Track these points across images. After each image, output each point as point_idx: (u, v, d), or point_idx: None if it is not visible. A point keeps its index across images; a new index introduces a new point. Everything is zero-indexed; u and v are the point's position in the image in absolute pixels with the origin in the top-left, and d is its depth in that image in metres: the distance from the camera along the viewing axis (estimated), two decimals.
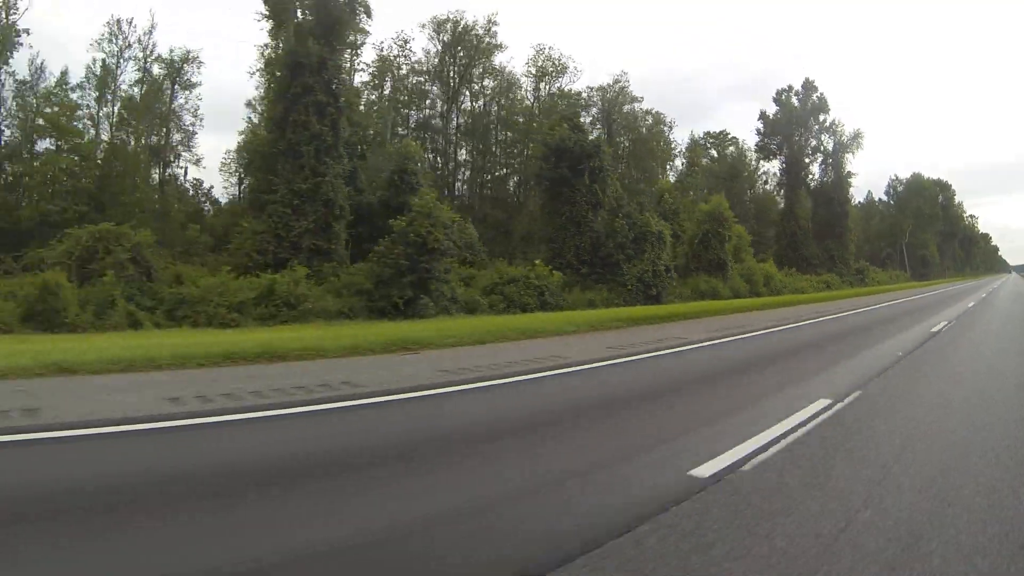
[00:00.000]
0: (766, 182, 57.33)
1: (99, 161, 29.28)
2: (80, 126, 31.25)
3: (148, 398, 5.01)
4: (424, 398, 5.49)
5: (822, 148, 51.06)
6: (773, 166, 52.09)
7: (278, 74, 18.29)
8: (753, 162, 56.03)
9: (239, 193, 29.40)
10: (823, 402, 4.98)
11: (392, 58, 32.42)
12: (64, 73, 31.02)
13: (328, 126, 16.21)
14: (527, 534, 2.68)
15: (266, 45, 24.51)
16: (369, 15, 20.78)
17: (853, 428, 4.39)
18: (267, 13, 19.97)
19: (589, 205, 20.31)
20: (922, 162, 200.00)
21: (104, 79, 31.73)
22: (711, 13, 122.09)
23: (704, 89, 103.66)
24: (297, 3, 18.82)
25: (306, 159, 15.94)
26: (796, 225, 46.43)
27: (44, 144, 31.47)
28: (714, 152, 57.82)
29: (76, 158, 28.39)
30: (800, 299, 25.13)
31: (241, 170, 28.00)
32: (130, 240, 14.28)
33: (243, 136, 26.14)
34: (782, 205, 52.15)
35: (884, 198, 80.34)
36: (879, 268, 57.60)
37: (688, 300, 22.07)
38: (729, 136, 56.89)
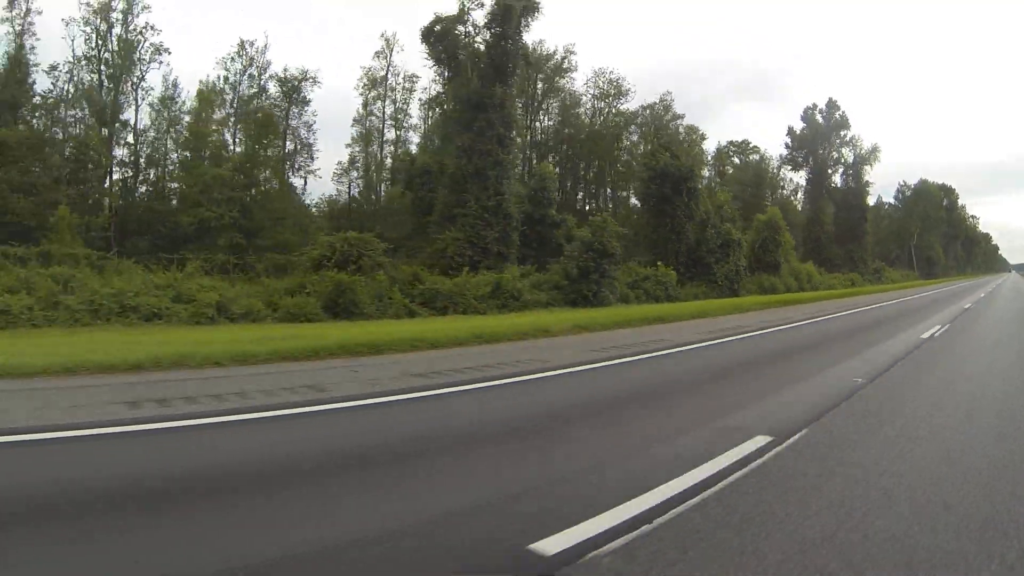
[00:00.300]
0: (783, 187, 62.84)
1: (241, 172, 34.19)
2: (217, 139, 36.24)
3: (523, 358, 8.65)
4: (673, 354, 9.82)
5: (843, 160, 56.51)
6: (794, 174, 57.71)
7: (446, 107, 23.22)
8: (774, 169, 61.36)
9: (374, 199, 34.33)
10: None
11: None
12: (204, 89, 35.88)
13: (506, 154, 21.33)
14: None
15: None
16: (528, 61, 25.84)
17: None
18: (431, 54, 25.00)
19: (686, 217, 25.49)
20: (922, 160, 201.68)
21: (229, 96, 36.66)
22: (708, 13, 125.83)
23: (704, 90, 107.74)
24: (463, 48, 23.83)
25: (491, 181, 21.03)
26: (820, 230, 51.80)
27: (180, 155, 36.47)
28: (735, 159, 63.36)
29: (225, 169, 33.26)
30: (833, 294, 30.46)
31: (382, 183, 32.98)
32: (377, 246, 19.20)
33: (399, 154, 31.08)
34: (800, 208, 57.67)
35: (892, 202, 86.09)
36: (890, 268, 63.15)
37: (755, 294, 27.33)
38: (751, 145, 61.91)
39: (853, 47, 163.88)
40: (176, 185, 35.06)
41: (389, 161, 35.87)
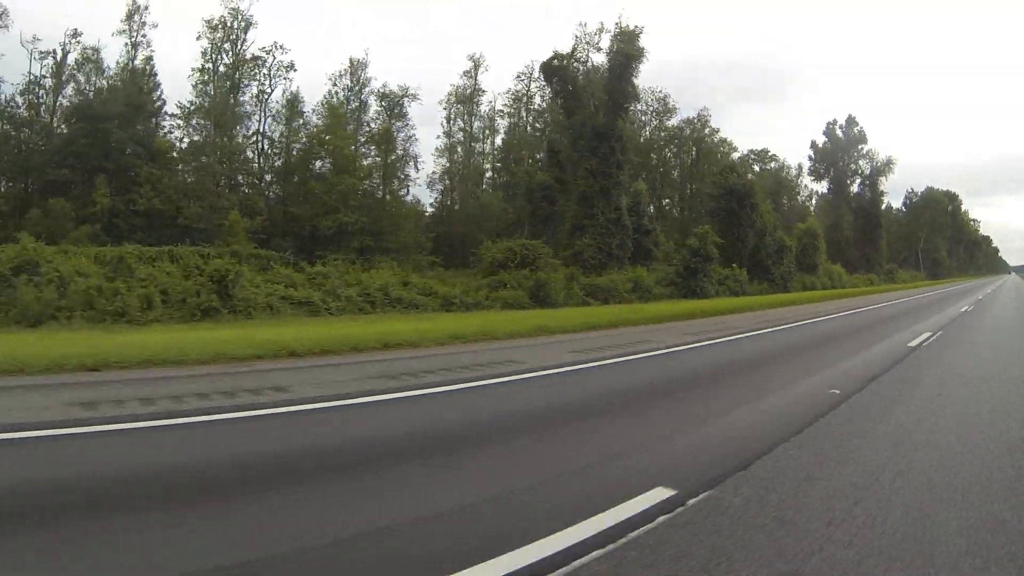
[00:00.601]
0: (799, 192, 69.69)
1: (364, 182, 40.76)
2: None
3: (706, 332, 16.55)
4: (792, 327, 17.06)
5: (860, 171, 63.27)
6: (811, 182, 64.65)
7: (555, 137, 29.93)
8: (793, 177, 68.09)
9: (471, 204, 40.74)
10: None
11: None
12: (334, 104, 42.29)
13: (623, 176, 28.16)
14: None
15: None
16: (637, 98, 32.59)
17: None
18: (551, 87, 31.66)
19: (748, 226, 32.28)
20: (923, 161, 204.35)
21: (342, 111, 43.18)
22: (709, 17, 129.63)
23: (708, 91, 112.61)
24: (582, 85, 30.48)
25: (613, 198, 27.80)
26: (841, 235, 58.52)
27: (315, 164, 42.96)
28: (755, 167, 70.18)
29: (356, 178, 39.83)
30: (858, 291, 37.26)
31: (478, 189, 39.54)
32: (545, 250, 25.64)
33: (519, 169, 37.56)
34: (814, 212, 64.48)
35: (901, 207, 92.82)
36: (901, 269, 70.04)
37: (798, 290, 34.16)
38: (770, 153, 68.38)
39: (854, 47, 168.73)
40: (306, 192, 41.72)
41: (489, 171, 42.60)
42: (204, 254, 21.44)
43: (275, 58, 39.21)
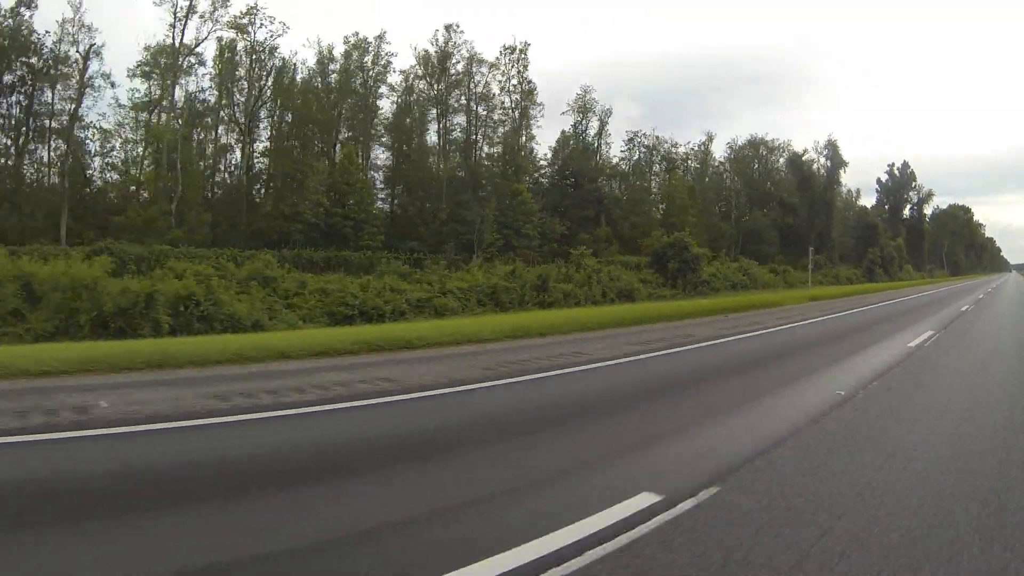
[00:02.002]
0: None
1: None
2: None
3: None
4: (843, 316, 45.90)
5: (910, 200, 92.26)
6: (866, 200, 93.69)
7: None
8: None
9: None
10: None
11: None
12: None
13: None
14: None
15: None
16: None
17: None
18: None
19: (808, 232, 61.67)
20: (923, 159, 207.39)
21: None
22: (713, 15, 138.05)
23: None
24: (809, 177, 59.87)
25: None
26: (895, 245, 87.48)
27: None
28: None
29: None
30: (919, 283, 66.43)
31: None
32: (693, 243, 53.91)
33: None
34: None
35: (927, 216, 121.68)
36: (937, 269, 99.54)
37: (886, 280, 63.67)
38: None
39: (854, 46, 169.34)
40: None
41: None
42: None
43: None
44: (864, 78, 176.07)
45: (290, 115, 35.49)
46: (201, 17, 31.89)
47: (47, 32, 30.31)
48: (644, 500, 3.22)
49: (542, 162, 46.42)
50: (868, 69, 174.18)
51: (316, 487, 3.65)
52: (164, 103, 32.43)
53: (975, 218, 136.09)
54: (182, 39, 32.47)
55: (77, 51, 30.48)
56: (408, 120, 39.84)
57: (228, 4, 33.59)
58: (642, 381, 7.72)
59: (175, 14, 31.99)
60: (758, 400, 6.11)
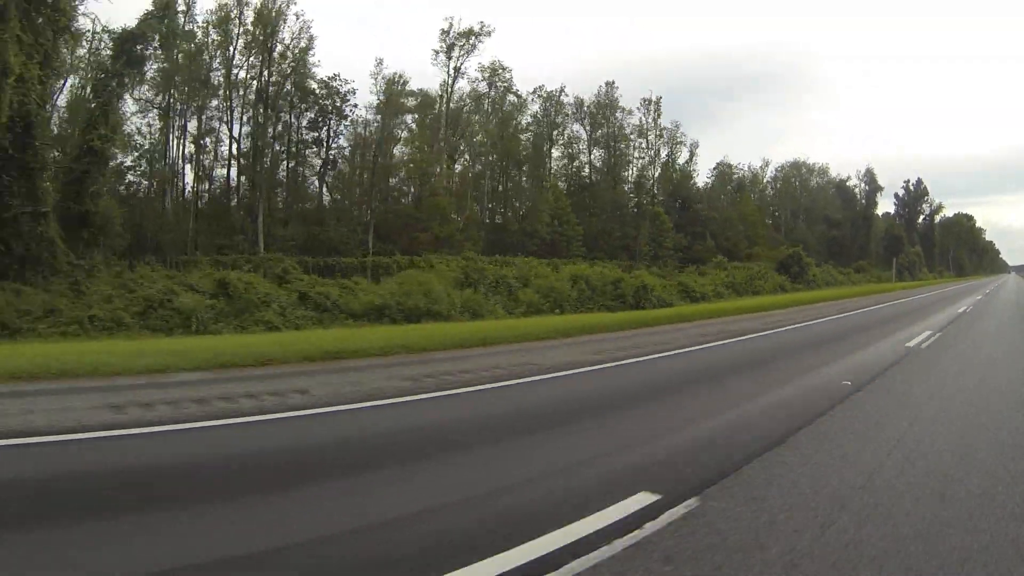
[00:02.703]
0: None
1: None
2: None
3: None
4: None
5: (923, 212, 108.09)
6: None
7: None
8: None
9: None
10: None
11: None
12: None
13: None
14: None
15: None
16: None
17: None
18: None
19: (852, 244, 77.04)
20: (924, 160, 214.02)
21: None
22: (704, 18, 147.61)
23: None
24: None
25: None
26: (915, 252, 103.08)
27: None
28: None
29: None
30: (933, 282, 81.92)
31: None
32: (802, 252, 69.27)
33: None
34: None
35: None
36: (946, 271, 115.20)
37: (908, 280, 79.33)
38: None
39: (854, 46, 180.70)
40: None
41: None
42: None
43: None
44: (864, 78, 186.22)
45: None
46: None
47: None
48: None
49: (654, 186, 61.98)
50: (868, 70, 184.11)
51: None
52: None
53: (977, 224, 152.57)
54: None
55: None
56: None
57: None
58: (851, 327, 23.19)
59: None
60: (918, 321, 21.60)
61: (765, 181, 75.08)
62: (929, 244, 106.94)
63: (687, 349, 10.81)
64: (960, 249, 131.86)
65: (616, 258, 49.36)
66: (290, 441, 5.01)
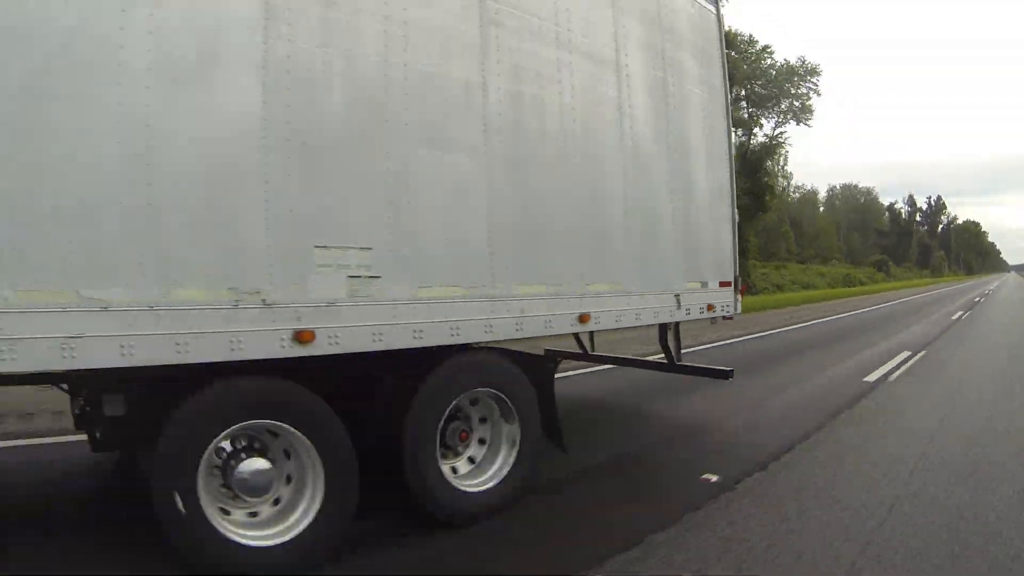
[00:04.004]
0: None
1: None
2: None
3: None
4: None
5: (941, 222, 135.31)
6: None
7: None
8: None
9: None
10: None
11: None
12: None
13: None
14: None
15: None
16: None
17: None
18: None
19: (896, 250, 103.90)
20: (926, 160, 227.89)
21: None
22: None
23: None
24: None
25: None
26: (940, 256, 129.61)
27: None
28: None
29: None
30: (949, 279, 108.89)
31: None
32: (887, 260, 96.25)
33: None
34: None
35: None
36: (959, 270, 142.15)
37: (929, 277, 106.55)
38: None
39: (855, 45, 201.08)
40: None
41: None
42: None
43: None
44: (863, 77, 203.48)
45: None
46: None
47: None
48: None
49: None
50: (866, 68, 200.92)
51: None
52: None
53: (982, 228, 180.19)
54: None
55: None
56: None
57: None
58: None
59: None
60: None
61: (820, 198, 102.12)
62: (947, 249, 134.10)
63: (840, 316, 24.70)
64: (968, 252, 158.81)
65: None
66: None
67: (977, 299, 29.55)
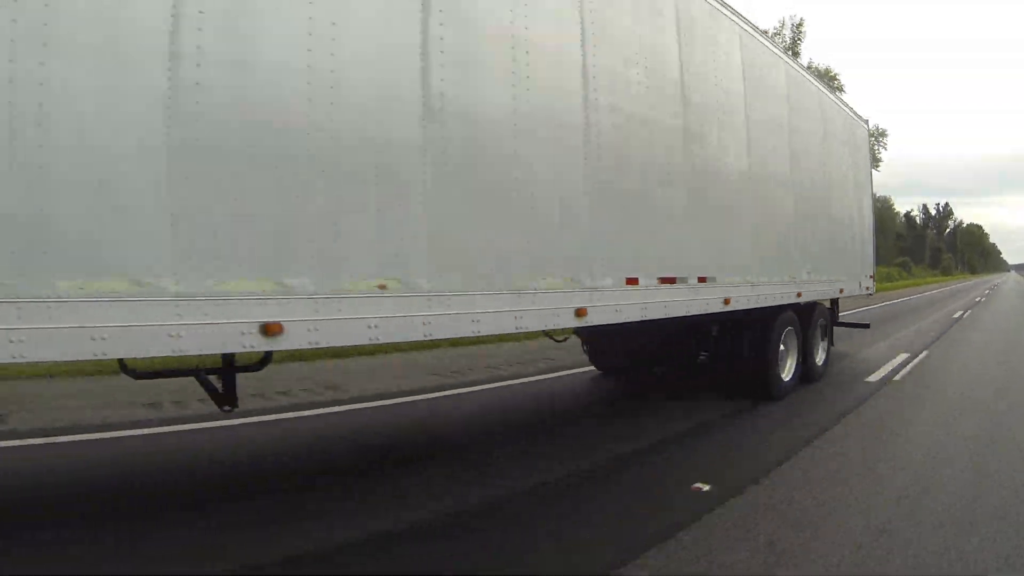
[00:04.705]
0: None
1: None
2: None
3: None
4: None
5: (948, 226, 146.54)
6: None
7: None
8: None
9: None
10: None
11: None
12: None
13: None
14: None
15: None
16: None
17: None
18: None
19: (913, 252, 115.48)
20: (926, 162, 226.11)
21: None
22: None
23: None
24: None
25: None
26: (948, 258, 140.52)
27: None
28: None
29: None
30: (958, 277, 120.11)
31: None
32: (909, 262, 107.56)
33: None
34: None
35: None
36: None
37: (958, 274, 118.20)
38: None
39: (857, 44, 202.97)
40: None
41: None
42: None
43: None
44: (862, 78, 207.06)
45: None
46: None
47: None
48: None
49: None
50: (867, 69, 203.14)
51: None
52: None
53: (983, 230, 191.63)
54: None
55: None
56: None
57: None
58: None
59: None
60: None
61: None
62: (953, 251, 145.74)
63: (896, 301, 30.92)
64: (972, 253, 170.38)
65: None
66: None
67: (988, 290, 40.87)
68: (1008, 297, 34.34)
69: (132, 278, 2.35)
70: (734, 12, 6.06)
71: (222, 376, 3.24)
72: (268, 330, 2.65)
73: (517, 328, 3.65)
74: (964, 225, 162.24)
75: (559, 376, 7.98)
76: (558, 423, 5.79)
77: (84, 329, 2.22)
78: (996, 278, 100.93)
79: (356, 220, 3.00)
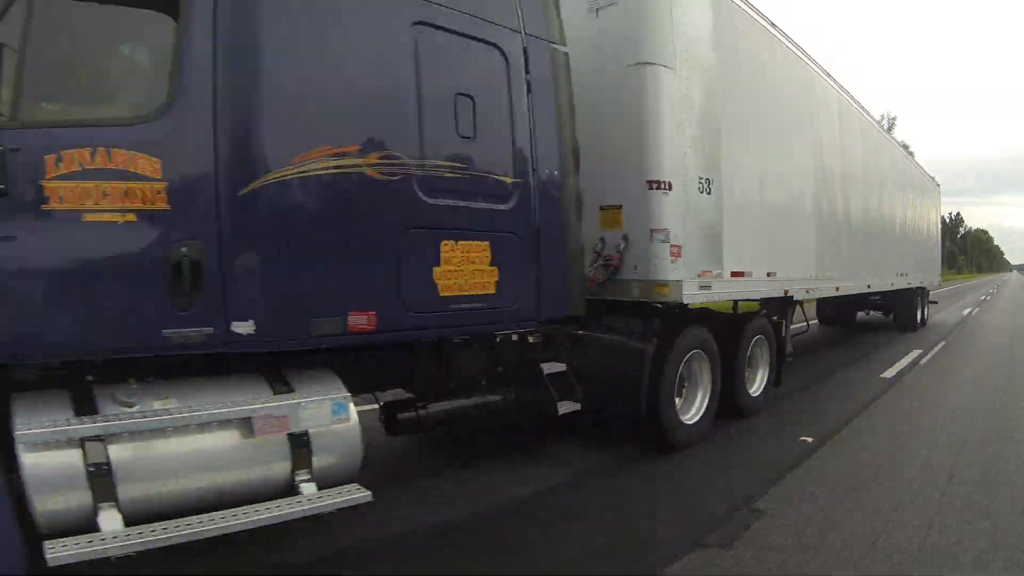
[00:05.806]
0: None
1: None
2: None
3: None
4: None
5: (958, 232, 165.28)
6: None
7: None
8: None
9: None
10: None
11: None
12: None
13: None
14: None
15: None
16: None
17: None
18: None
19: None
20: (927, 162, 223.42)
21: None
22: None
23: None
24: None
25: None
26: (961, 260, 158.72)
27: None
28: None
29: None
30: (972, 276, 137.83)
31: None
32: None
33: None
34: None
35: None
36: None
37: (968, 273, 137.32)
38: None
39: (853, 45, 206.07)
40: None
41: None
42: None
43: None
44: (862, 77, 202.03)
45: None
46: None
47: None
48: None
49: None
50: (865, 68, 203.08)
51: None
52: None
53: (988, 234, 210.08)
54: None
55: None
56: None
57: None
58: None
59: None
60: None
61: None
62: (963, 253, 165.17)
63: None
64: (979, 255, 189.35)
65: None
66: None
67: (998, 285, 56.80)
68: (1017, 287, 50.64)
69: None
70: (888, 135, 12.92)
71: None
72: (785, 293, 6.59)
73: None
74: (972, 231, 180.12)
75: None
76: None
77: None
78: (1000, 277, 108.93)
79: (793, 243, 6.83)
